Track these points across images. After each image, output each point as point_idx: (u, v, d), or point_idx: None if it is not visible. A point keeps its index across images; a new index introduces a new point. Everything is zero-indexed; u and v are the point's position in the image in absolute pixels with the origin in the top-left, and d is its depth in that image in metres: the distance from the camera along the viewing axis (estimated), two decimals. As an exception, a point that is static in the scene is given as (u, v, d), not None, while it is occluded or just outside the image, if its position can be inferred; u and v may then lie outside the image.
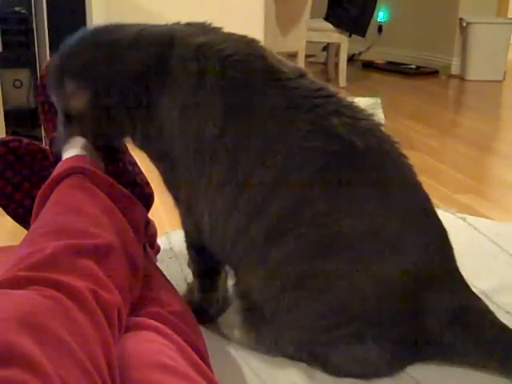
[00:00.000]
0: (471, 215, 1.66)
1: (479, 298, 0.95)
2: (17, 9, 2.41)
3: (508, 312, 1.17)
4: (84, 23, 2.46)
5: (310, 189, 0.89)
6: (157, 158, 1.07)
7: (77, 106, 1.05)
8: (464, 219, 1.59)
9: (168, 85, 0.98)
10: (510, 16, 5.13)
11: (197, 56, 0.96)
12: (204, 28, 1.03)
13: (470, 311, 0.93)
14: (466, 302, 0.93)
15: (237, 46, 0.98)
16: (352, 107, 0.93)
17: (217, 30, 1.03)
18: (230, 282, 1.18)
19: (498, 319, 0.93)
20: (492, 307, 1.18)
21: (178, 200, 1.08)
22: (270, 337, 0.96)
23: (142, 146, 1.08)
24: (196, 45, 0.97)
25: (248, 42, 1.00)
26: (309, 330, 0.93)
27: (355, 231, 0.88)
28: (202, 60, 0.95)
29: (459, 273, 0.94)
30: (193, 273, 1.16)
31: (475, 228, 1.55)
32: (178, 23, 1.05)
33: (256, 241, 0.93)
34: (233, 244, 0.96)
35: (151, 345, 0.81)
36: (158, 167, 1.09)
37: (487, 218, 1.73)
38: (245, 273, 0.97)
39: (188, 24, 1.04)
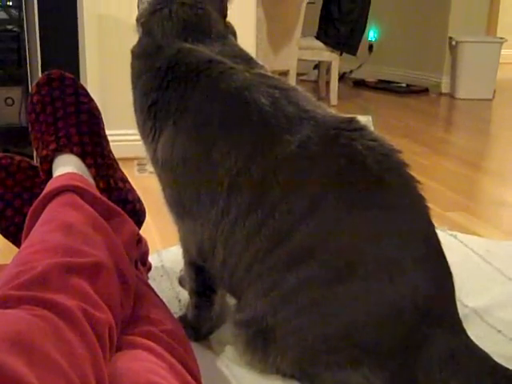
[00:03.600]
0: (462, 232, 1.67)
1: (473, 342, 0.95)
2: (9, 27, 2.41)
3: (500, 331, 1.17)
4: (76, 42, 2.47)
5: (338, 220, 0.90)
6: (160, 166, 1.06)
7: None
8: (455, 236, 1.60)
9: (188, 105, 1.01)
10: (499, 35, 5.18)
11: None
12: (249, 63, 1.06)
13: (466, 353, 0.93)
14: (463, 344, 0.93)
15: (272, 83, 1.00)
16: (383, 143, 0.95)
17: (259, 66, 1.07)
18: (225, 301, 1.18)
19: (492, 360, 0.93)
20: (483, 326, 1.19)
21: (179, 217, 1.07)
22: (273, 356, 0.96)
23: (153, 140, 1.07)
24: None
25: (283, 81, 1.03)
26: (310, 351, 0.93)
27: (372, 261, 0.89)
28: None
29: (458, 314, 0.95)
30: (189, 290, 1.15)
31: (466, 245, 1.55)
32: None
33: (274, 267, 0.93)
34: (246, 270, 0.96)
35: (143, 364, 0.80)
36: (158, 177, 1.09)
37: (478, 235, 1.74)
38: (255, 298, 0.96)
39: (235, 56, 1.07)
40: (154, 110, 1.05)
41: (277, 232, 0.92)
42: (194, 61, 1.03)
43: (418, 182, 0.95)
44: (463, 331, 0.94)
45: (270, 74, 1.05)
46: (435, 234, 0.95)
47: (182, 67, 1.03)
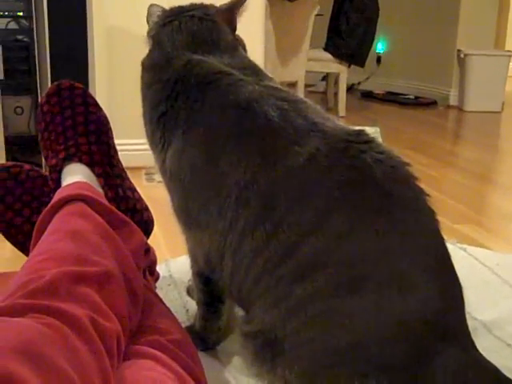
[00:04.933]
0: (470, 245, 1.66)
1: (483, 356, 0.94)
2: (19, 37, 2.43)
3: (509, 345, 1.16)
4: (85, 52, 2.49)
5: (347, 232, 0.89)
6: (168, 177, 1.06)
7: None
8: (464, 250, 1.59)
9: (204, 121, 1.00)
10: (507, 48, 5.18)
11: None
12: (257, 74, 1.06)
13: (476, 368, 0.92)
14: (473, 359, 0.92)
15: (281, 95, 1.00)
16: (391, 156, 0.94)
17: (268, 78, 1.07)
18: (233, 311, 1.18)
19: (502, 374, 0.92)
20: (493, 340, 1.18)
21: (187, 227, 1.07)
22: (281, 368, 0.95)
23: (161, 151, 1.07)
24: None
25: (291, 94, 1.03)
26: (318, 363, 0.92)
27: (382, 274, 0.88)
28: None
29: (467, 328, 0.94)
30: (197, 301, 1.15)
31: (476, 258, 1.54)
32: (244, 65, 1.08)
33: (283, 279, 0.92)
34: (254, 282, 0.95)
35: (150, 373, 0.80)
36: (167, 187, 1.09)
37: (487, 248, 1.73)
38: (263, 310, 0.95)
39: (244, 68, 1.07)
40: (163, 120, 1.05)
41: (285, 244, 0.91)
42: (202, 72, 1.03)
43: (428, 195, 0.95)
44: (473, 346, 0.94)
45: (278, 86, 1.05)
46: (445, 248, 0.94)
47: (191, 79, 1.03)
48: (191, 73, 1.04)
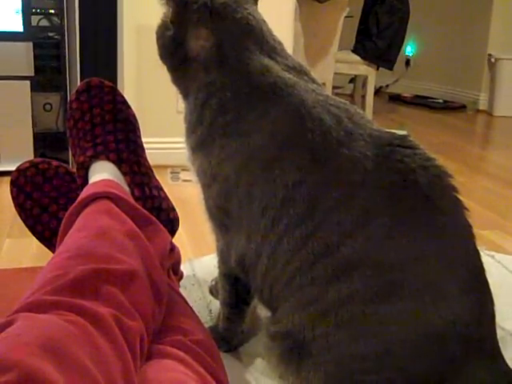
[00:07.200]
0: (497, 251, 1.64)
1: (510, 368, 0.93)
2: (50, 34, 2.46)
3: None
4: (114, 50, 2.51)
5: (386, 237, 0.89)
6: (212, 178, 1.03)
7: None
8: (492, 257, 1.57)
9: (263, 124, 0.98)
10: (539, 53, 5.11)
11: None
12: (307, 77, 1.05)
13: (504, 381, 0.90)
14: (501, 372, 0.91)
15: (333, 102, 1.00)
16: (434, 164, 0.94)
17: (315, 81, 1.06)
18: (256, 313, 1.17)
19: None
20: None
21: (223, 228, 1.06)
22: (306, 370, 0.94)
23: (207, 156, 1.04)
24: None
25: (338, 100, 1.02)
26: (345, 369, 0.91)
27: (417, 282, 0.87)
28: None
29: (497, 341, 0.93)
30: (221, 301, 1.15)
31: (503, 266, 1.52)
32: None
33: (317, 280, 0.91)
34: (287, 282, 0.95)
35: (172, 374, 0.80)
36: (206, 187, 1.06)
37: (514, 254, 1.71)
38: (293, 311, 0.95)
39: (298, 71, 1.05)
40: (224, 125, 1.01)
41: (323, 244, 0.91)
42: (272, 81, 1.00)
43: (467, 209, 0.94)
44: (502, 358, 0.92)
45: (325, 91, 1.05)
46: (480, 262, 0.93)
47: (266, 88, 0.99)
48: (263, 81, 1.00)
